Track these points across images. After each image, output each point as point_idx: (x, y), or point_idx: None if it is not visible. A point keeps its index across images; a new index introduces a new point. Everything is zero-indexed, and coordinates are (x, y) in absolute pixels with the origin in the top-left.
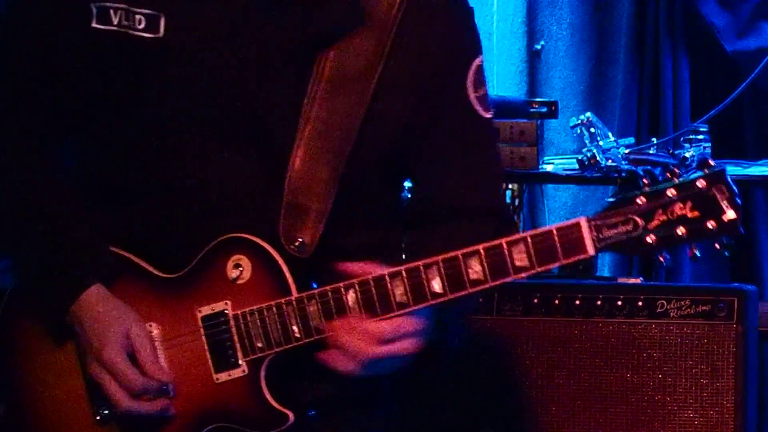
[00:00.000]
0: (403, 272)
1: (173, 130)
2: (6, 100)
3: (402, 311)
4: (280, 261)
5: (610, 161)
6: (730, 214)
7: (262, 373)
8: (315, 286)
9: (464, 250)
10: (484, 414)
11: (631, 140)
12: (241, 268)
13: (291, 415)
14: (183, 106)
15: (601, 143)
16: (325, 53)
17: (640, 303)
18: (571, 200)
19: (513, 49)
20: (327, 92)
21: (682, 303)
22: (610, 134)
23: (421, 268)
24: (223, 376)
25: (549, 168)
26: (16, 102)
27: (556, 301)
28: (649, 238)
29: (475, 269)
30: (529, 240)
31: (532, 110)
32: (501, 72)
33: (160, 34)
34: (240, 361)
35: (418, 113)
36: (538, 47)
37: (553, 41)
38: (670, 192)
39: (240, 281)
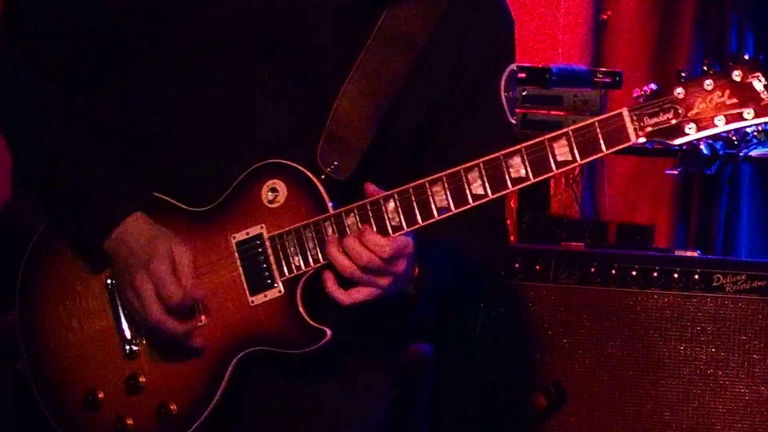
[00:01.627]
0: (444, 178)
1: (218, 66)
2: (43, 37)
3: (443, 215)
4: (316, 181)
5: None
6: (767, 99)
7: (299, 292)
8: None
9: (505, 151)
10: (537, 380)
11: None
12: (276, 192)
13: (328, 332)
14: (231, 47)
15: None
16: (379, 11)
17: (696, 276)
18: (632, 171)
19: (579, 19)
20: (378, 45)
21: (738, 278)
22: None
23: (462, 172)
24: (258, 298)
25: None
26: (52, 40)
27: (613, 271)
28: (689, 126)
29: (517, 168)
30: (571, 134)
31: (596, 80)
32: (567, 41)
33: None
34: (276, 282)
35: (453, 95)
36: (605, 17)
37: (619, 12)
38: (708, 82)
39: (275, 204)
